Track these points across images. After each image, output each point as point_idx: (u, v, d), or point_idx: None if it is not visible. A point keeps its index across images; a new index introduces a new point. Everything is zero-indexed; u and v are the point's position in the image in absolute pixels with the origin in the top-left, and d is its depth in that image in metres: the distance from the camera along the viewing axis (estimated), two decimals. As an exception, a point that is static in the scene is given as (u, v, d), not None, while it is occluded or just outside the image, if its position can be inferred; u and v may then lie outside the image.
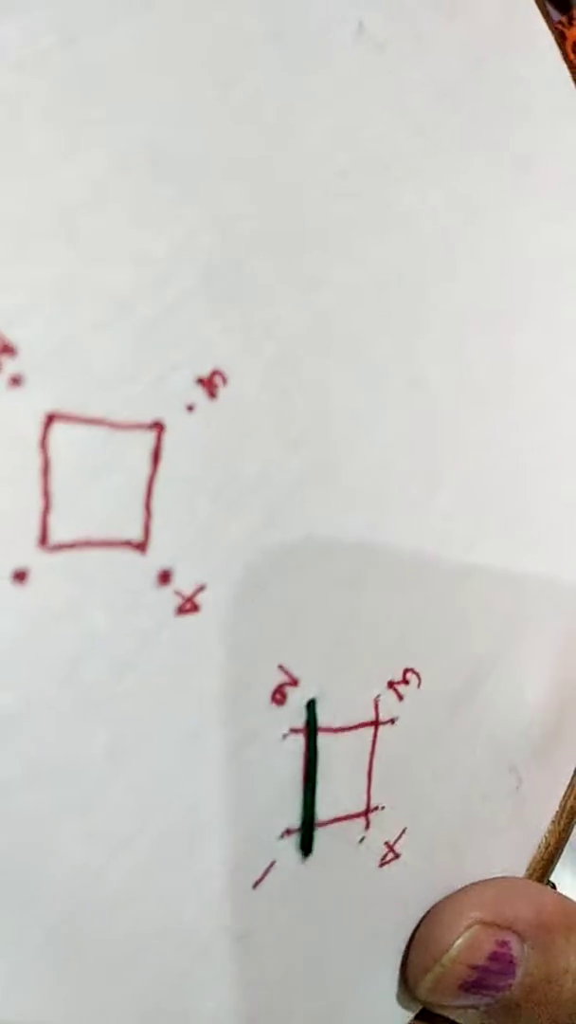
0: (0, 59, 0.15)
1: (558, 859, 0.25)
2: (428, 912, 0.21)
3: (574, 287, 0.23)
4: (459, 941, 0.20)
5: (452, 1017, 0.21)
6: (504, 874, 0.22)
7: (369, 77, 0.19)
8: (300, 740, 0.18)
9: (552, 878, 0.25)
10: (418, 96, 0.20)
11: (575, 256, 0.23)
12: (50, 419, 0.15)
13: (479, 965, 0.19)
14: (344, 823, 0.19)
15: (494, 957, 0.20)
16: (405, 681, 0.20)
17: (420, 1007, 0.21)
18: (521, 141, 0.22)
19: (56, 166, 0.15)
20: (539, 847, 0.24)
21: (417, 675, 0.20)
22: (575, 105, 0.23)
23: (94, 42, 0.15)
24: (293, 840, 0.18)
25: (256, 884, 0.17)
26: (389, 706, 0.19)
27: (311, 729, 0.18)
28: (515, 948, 0.20)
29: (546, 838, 0.24)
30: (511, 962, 0.20)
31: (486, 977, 0.19)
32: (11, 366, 0.14)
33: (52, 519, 0.15)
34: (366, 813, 0.19)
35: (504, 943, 0.20)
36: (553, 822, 0.24)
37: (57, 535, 0.15)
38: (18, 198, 0.15)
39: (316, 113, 0.18)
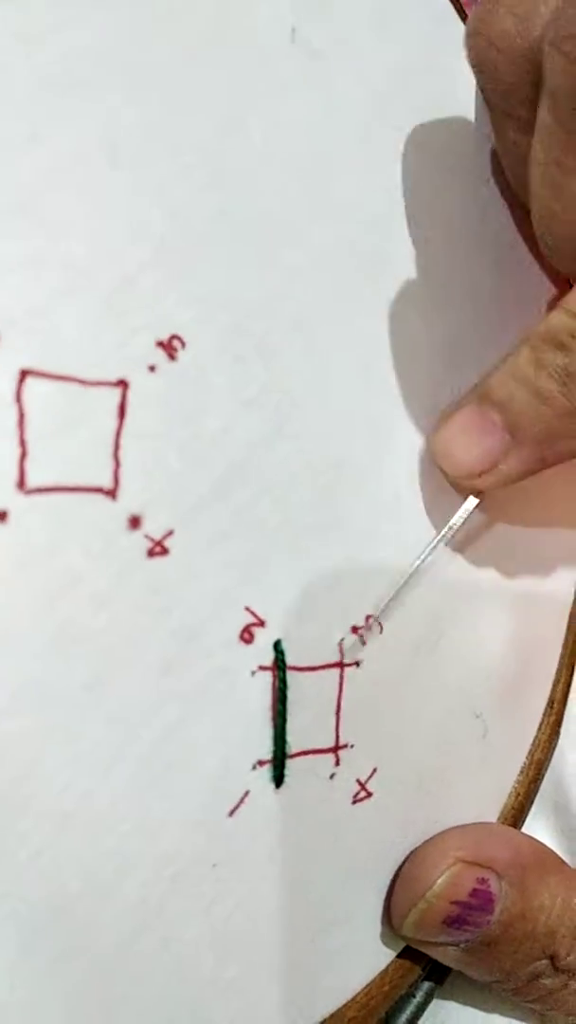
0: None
1: (528, 810, 0.26)
2: (411, 853, 0.22)
3: (519, 265, 0.25)
4: (442, 879, 0.21)
5: (433, 955, 0.22)
6: (477, 818, 0.24)
7: (304, 80, 0.21)
8: (268, 677, 0.19)
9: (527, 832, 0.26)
10: (352, 97, 0.22)
11: (491, 238, 0.25)
12: (24, 375, 0.16)
13: (461, 901, 0.21)
14: (314, 757, 0.20)
15: (474, 894, 0.21)
16: (367, 627, 0.21)
17: (401, 946, 0.22)
18: (446, 137, 0.24)
19: (21, 154, 0.17)
20: (509, 796, 0.25)
21: (379, 622, 0.21)
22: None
23: (52, 42, 0.17)
24: (266, 771, 0.19)
25: (232, 812, 0.19)
26: (353, 649, 0.21)
27: (280, 666, 0.19)
28: (494, 885, 0.21)
29: (515, 788, 0.26)
30: (490, 898, 0.21)
31: (467, 913, 0.21)
32: (-14, 327, 0.16)
33: (28, 465, 0.16)
34: (335, 749, 0.20)
35: (484, 880, 0.21)
36: (522, 772, 0.26)
37: (34, 480, 0.16)
38: (-11, 179, 0.16)
39: (255, 112, 0.20)
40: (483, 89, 0.22)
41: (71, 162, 0.17)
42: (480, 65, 0.21)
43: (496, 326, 0.24)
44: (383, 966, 0.22)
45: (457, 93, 0.24)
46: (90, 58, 0.18)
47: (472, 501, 0.22)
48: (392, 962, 0.22)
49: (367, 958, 0.21)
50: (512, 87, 0.21)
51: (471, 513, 0.22)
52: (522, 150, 0.21)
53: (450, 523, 0.22)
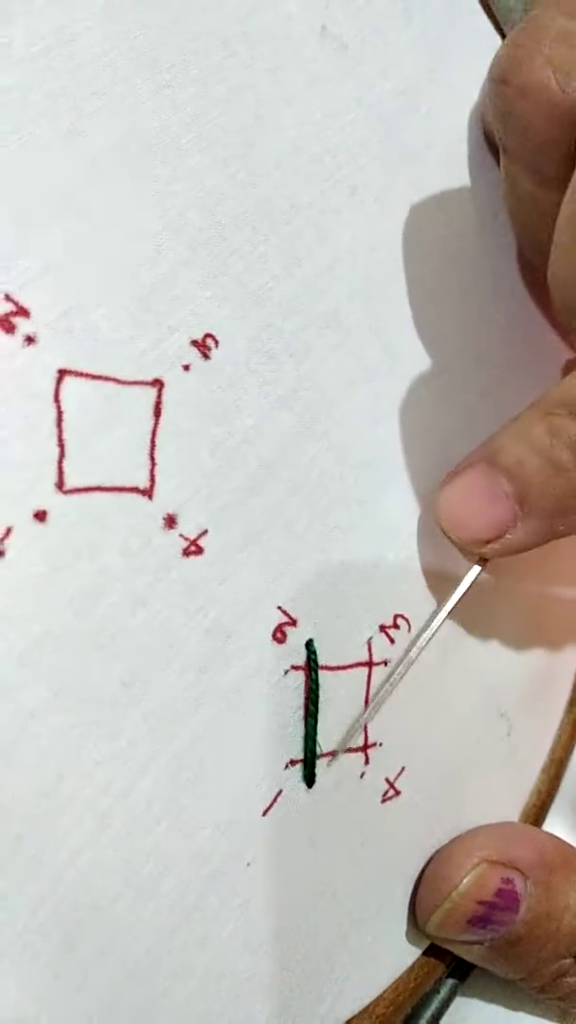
0: (7, 56, 0.16)
1: (549, 808, 0.26)
2: (436, 853, 0.22)
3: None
4: (467, 878, 0.21)
5: (458, 953, 0.22)
6: (499, 817, 0.24)
7: (333, 74, 0.21)
8: (300, 676, 0.19)
9: (547, 830, 0.26)
10: (379, 91, 0.22)
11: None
12: (61, 375, 0.16)
13: (486, 901, 0.21)
14: (344, 756, 0.20)
15: (500, 894, 0.21)
16: (396, 626, 0.21)
17: (427, 944, 0.22)
18: (471, 135, 0.24)
19: (60, 149, 0.17)
20: (531, 795, 0.25)
21: (407, 620, 0.21)
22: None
23: (89, 41, 0.17)
24: (298, 771, 0.19)
25: (265, 812, 0.19)
26: (382, 648, 0.21)
27: (312, 666, 0.19)
28: (519, 885, 0.21)
29: (537, 786, 0.26)
30: (515, 898, 0.21)
31: (492, 912, 0.21)
32: (25, 327, 0.16)
33: (67, 465, 0.16)
34: (364, 748, 0.20)
35: (509, 880, 0.21)
36: (544, 771, 0.26)
37: (72, 480, 0.16)
38: (29, 177, 0.16)
39: (287, 106, 0.20)
40: (502, 138, 0.20)
41: (109, 158, 0.17)
42: (506, 116, 0.19)
43: (520, 322, 0.24)
44: (410, 963, 0.22)
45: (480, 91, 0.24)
46: (126, 54, 0.18)
47: (476, 569, 0.21)
48: (418, 959, 0.22)
49: (395, 955, 0.22)
50: (544, 144, 0.19)
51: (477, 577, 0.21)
52: (540, 205, 0.20)
53: (454, 596, 0.21)
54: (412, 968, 0.22)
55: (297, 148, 0.20)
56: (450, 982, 0.23)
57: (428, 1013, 0.22)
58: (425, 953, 0.22)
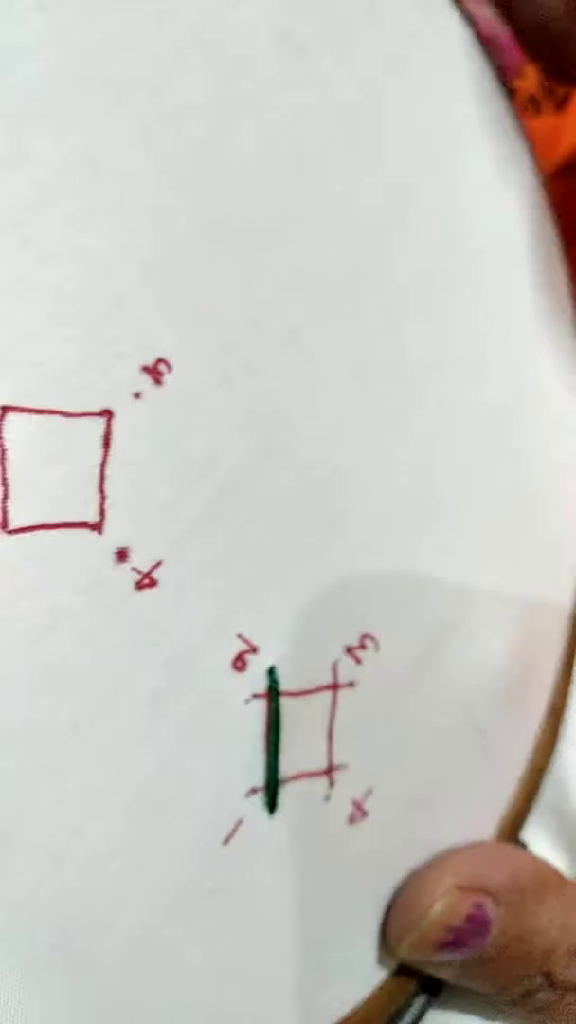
0: None
1: (527, 818, 0.26)
2: (407, 877, 0.22)
3: (512, 272, 0.25)
4: (437, 905, 0.21)
5: (429, 972, 0.22)
6: (474, 834, 0.24)
7: (293, 79, 0.20)
8: (262, 704, 0.19)
9: (527, 841, 0.26)
10: (341, 94, 0.21)
11: (510, 237, 0.25)
12: (4, 411, 0.16)
13: (456, 927, 0.21)
14: (307, 780, 0.20)
15: (470, 919, 0.21)
16: (363, 647, 0.21)
17: (396, 965, 0.22)
18: (450, 127, 0.23)
19: (3, 175, 0.16)
20: (509, 807, 0.25)
21: (375, 640, 0.21)
22: (493, 89, 0.24)
23: (31, 57, 0.16)
24: (259, 798, 0.19)
25: (226, 841, 0.18)
26: (348, 670, 0.21)
27: (273, 693, 0.19)
28: (490, 910, 0.21)
29: (514, 798, 0.25)
30: (485, 923, 0.21)
31: (462, 937, 0.21)
32: (-37, 363, 0.16)
33: (11, 505, 0.16)
34: (329, 772, 0.20)
35: (480, 905, 0.21)
36: (521, 780, 0.26)
37: (16, 519, 0.16)
38: (-38, 207, 0.16)
39: (244, 116, 0.19)
40: None
41: (54, 180, 0.17)
42: None
43: (501, 335, 0.24)
44: (381, 980, 0.22)
45: (455, 85, 0.24)
46: (71, 71, 0.17)
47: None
48: (389, 976, 0.22)
49: (365, 973, 0.22)
50: None
51: None
52: None
53: None
54: (383, 985, 0.22)
55: (256, 160, 0.20)
56: (422, 997, 0.23)
57: (400, 1028, 0.22)
58: (397, 970, 0.22)
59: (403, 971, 0.22)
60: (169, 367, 0.18)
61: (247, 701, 0.19)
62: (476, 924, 0.20)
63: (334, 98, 0.21)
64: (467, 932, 0.20)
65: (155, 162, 0.18)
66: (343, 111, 0.21)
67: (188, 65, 0.19)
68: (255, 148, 0.20)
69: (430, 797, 0.23)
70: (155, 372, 0.18)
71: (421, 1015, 0.23)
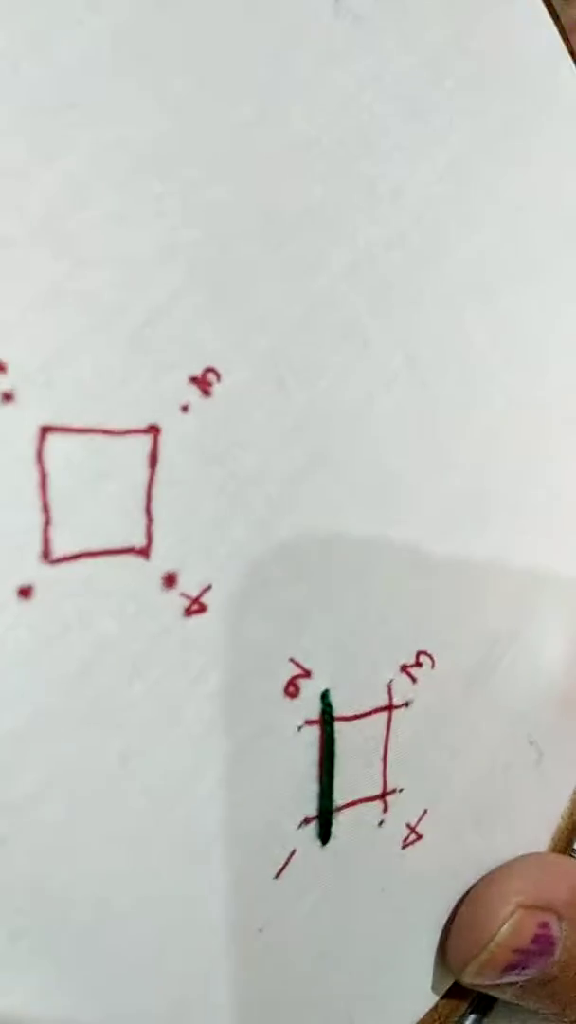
0: (-32, 68, 0.14)
1: (581, 826, 0.25)
2: (467, 897, 0.21)
3: (569, 254, 0.23)
4: (505, 927, 0.20)
5: (490, 993, 0.21)
6: (529, 847, 0.23)
7: (349, 51, 0.19)
8: (315, 731, 0.18)
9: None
10: (400, 67, 0.19)
11: (568, 221, 0.23)
12: (44, 432, 0.15)
13: (523, 948, 0.20)
14: (361, 807, 0.19)
15: (536, 939, 0.20)
16: (418, 664, 0.20)
17: (451, 983, 0.22)
18: (509, 107, 0.21)
19: (35, 172, 0.15)
20: (562, 817, 0.24)
21: (431, 657, 0.20)
22: (564, 64, 0.22)
23: (63, 45, 0.15)
24: (312, 828, 0.18)
25: (278, 874, 0.18)
26: (403, 689, 0.20)
27: (327, 719, 0.18)
28: (555, 928, 0.20)
29: (569, 808, 0.24)
30: (551, 942, 0.20)
31: (528, 958, 0.20)
32: (2, 383, 0.14)
33: (53, 532, 0.15)
34: (383, 796, 0.19)
35: (545, 924, 0.20)
36: (575, 792, 0.25)
37: (59, 548, 0.15)
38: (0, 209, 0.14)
39: (296, 93, 0.18)
40: None
41: (92, 176, 0.15)
42: None
43: (566, 331, 0.22)
44: (433, 1004, 0.21)
45: (518, 56, 0.22)
46: (109, 54, 0.16)
47: None
48: (442, 997, 0.21)
49: (418, 999, 0.21)
50: None
51: None
52: None
53: None
54: (436, 1008, 0.21)
55: (307, 141, 0.18)
56: (472, 1017, 0.22)
57: (451, 1049, 0.22)
58: (447, 993, 0.22)
59: (455, 992, 0.22)
60: (218, 376, 0.17)
61: (299, 728, 0.18)
62: (542, 944, 0.20)
63: (392, 71, 0.19)
64: (533, 953, 0.20)
65: (202, 151, 0.17)
66: (403, 86, 0.19)
67: (235, 39, 0.17)
68: (308, 128, 0.18)
69: (484, 814, 0.22)
70: (203, 382, 0.16)
71: (473, 1035, 0.22)
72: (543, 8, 0.22)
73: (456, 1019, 0.22)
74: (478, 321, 0.21)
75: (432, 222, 0.20)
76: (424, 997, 0.21)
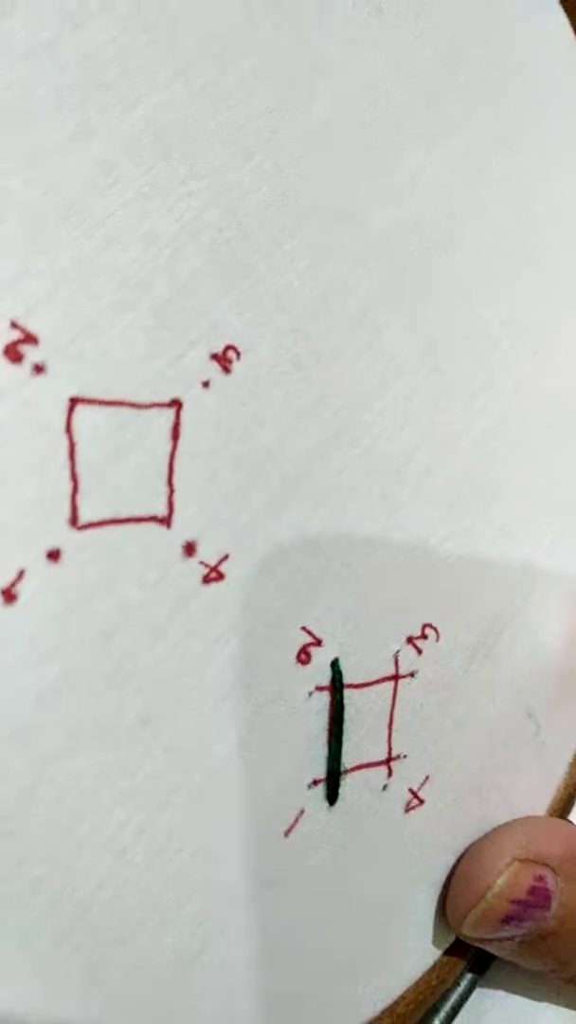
0: (8, 51, 0.15)
1: (576, 798, 0.26)
2: (466, 853, 0.22)
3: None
4: (501, 879, 0.21)
5: (488, 949, 0.22)
6: (526, 814, 0.24)
7: (370, 41, 0.19)
8: (325, 697, 0.19)
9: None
10: (419, 57, 0.20)
11: None
12: (73, 403, 0.15)
13: (520, 899, 0.21)
14: (367, 771, 0.20)
15: (532, 891, 0.21)
16: (424, 636, 0.21)
17: (450, 941, 0.22)
18: (521, 97, 0.22)
19: (65, 151, 0.15)
20: (559, 788, 0.25)
21: (435, 629, 0.21)
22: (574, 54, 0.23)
23: (97, 27, 0.16)
24: (320, 790, 0.19)
25: (287, 832, 0.18)
26: (408, 660, 0.20)
27: (337, 686, 0.19)
28: (550, 881, 0.21)
29: (565, 779, 0.25)
30: (547, 895, 0.21)
31: (525, 910, 0.21)
32: (33, 355, 0.15)
33: (80, 500, 0.15)
34: (388, 761, 0.20)
35: (541, 877, 0.21)
36: (572, 764, 0.25)
37: (86, 515, 0.16)
38: (30, 186, 0.15)
39: (317, 81, 0.18)
40: None
41: (121, 156, 0.16)
42: None
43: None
44: (432, 962, 0.22)
45: (531, 49, 0.22)
46: (137, 39, 0.16)
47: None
48: (439, 957, 0.22)
49: (417, 955, 0.22)
50: None
51: None
52: None
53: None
54: (434, 966, 0.22)
55: (327, 129, 0.19)
56: (469, 976, 0.23)
57: (447, 1007, 0.22)
58: (446, 951, 0.22)
59: (453, 950, 0.22)
60: (238, 354, 0.17)
61: (310, 694, 0.19)
62: (539, 896, 0.20)
63: (410, 61, 0.20)
64: (530, 904, 0.20)
65: (225, 135, 0.17)
66: (420, 76, 0.20)
67: (258, 26, 0.18)
68: (329, 116, 0.19)
69: (484, 783, 0.22)
70: (224, 359, 0.17)
71: (468, 994, 0.23)
72: (556, 2, 0.22)
73: (454, 979, 0.23)
74: (490, 308, 0.22)
75: (447, 209, 0.21)
76: (424, 954, 0.22)
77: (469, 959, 0.23)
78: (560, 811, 0.25)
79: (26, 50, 0.15)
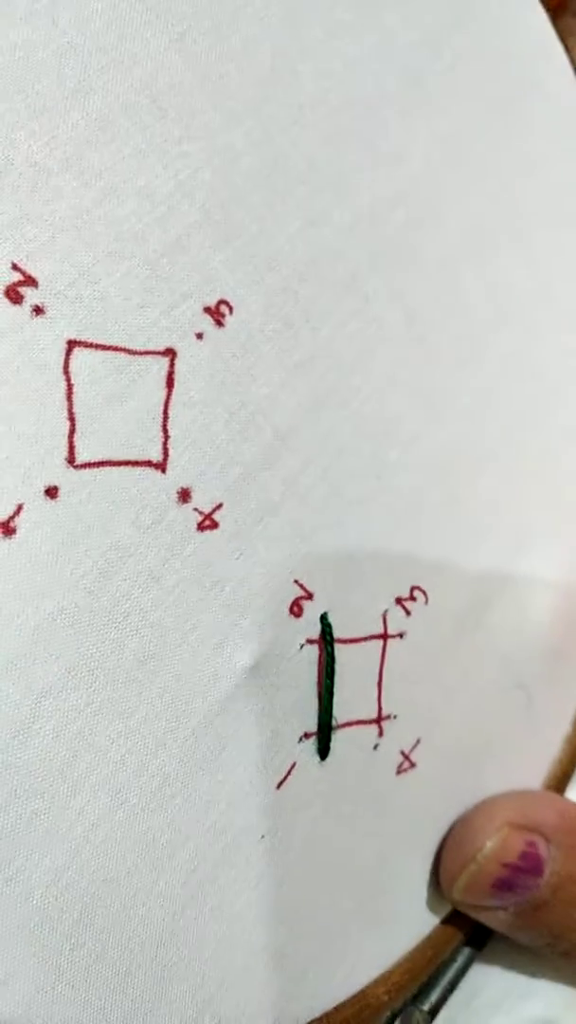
0: (11, 13, 0.16)
1: (571, 777, 0.26)
2: (458, 819, 0.22)
3: (564, 217, 0.24)
4: (491, 842, 0.21)
5: (483, 920, 0.22)
6: (521, 787, 0.24)
7: (356, 23, 0.20)
8: (315, 650, 0.19)
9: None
10: (403, 41, 0.21)
11: (558, 190, 0.24)
12: (71, 346, 0.16)
13: (510, 863, 0.21)
14: (358, 728, 0.20)
15: (523, 856, 0.21)
16: (412, 598, 0.21)
17: (445, 913, 0.22)
18: (503, 82, 0.23)
19: (66, 108, 0.16)
20: (553, 765, 0.25)
21: (424, 593, 0.21)
22: (554, 45, 0.24)
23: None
24: (311, 744, 0.19)
25: (279, 785, 0.19)
26: (397, 621, 0.21)
27: (327, 639, 0.19)
28: (542, 848, 0.21)
29: (559, 757, 0.25)
30: (539, 861, 0.21)
31: (516, 876, 0.21)
32: (33, 297, 0.16)
33: (78, 440, 0.16)
34: (378, 720, 0.20)
35: (532, 843, 0.21)
36: (566, 740, 0.26)
37: (83, 455, 0.16)
38: (32, 138, 0.16)
39: (305, 57, 0.19)
40: None
41: (118, 117, 0.17)
42: None
43: (559, 297, 0.24)
44: (427, 932, 0.22)
45: (512, 36, 0.23)
46: (136, 7, 0.17)
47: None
48: (436, 928, 0.22)
49: (412, 924, 0.22)
50: None
51: None
52: None
53: None
54: (429, 937, 0.22)
55: (315, 102, 0.20)
56: (467, 951, 0.23)
57: (444, 981, 0.22)
58: (443, 922, 0.22)
59: (450, 923, 0.22)
60: (231, 309, 0.18)
61: (301, 646, 0.19)
62: (530, 861, 0.20)
63: (395, 44, 0.21)
64: (521, 870, 0.20)
65: (218, 101, 0.18)
66: (405, 58, 0.21)
67: (250, 3, 0.19)
68: (317, 90, 0.20)
69: (476, 751, 0.23)
70: (217, 313, 0.18)
71: (465, 968, 0.23)
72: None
73: (450, 952, 0.22)
74: (474, 282, 0.23)
75: (431, 185, 0.22)
76: (419, 923, 0.22)
77: (466, 933, 0.23)
78: (556, 788, 0.25)
79: (26, 13, 0.16)
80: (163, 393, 0.17)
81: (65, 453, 0.16)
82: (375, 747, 0.20)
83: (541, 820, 0.21)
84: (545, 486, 0.24)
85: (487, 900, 0.21)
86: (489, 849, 0.20)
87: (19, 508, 0.15)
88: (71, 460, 0.16)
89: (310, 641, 0.19)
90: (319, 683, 0.19)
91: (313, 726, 0.19)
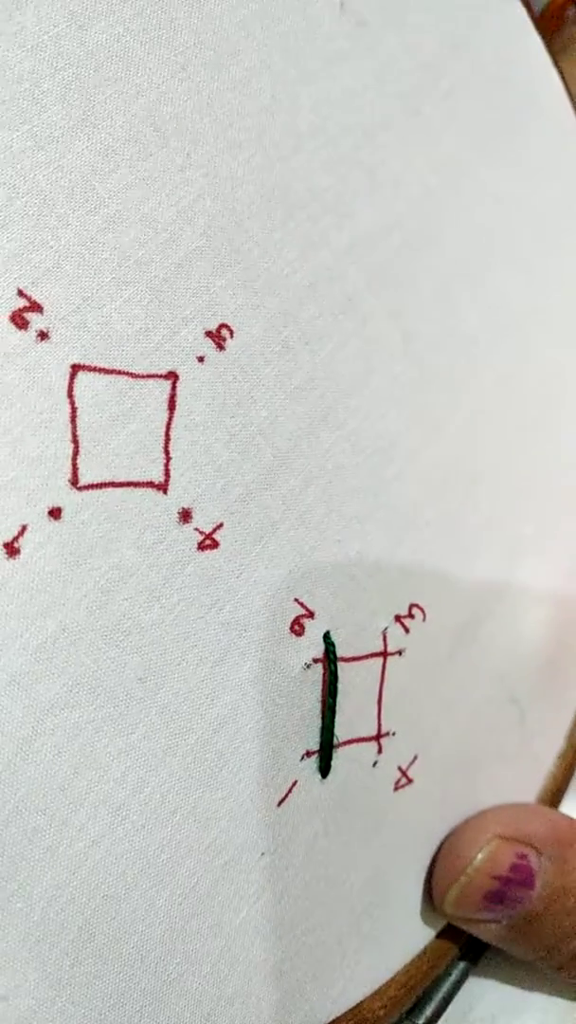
0: (18, 44, 0.16)
1: (565, 792, 0.26)
2: (450, 832, 0.22)
3: (559, 242, 0.25)
4: (481, 854, 0.21)
5: (475, 933, 0.22)
6: (515, 801, 0.24)
7: (353, 52, 0.21)
8: (319, 669, 0.19)
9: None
10: (401, 68, 0.21)
11: (551, 213, 0.25)
12: (75, 370, 0.16)
13: (501, 876, 0.21)
14: (358, 746, 0.20)
15: (514, 868, 0.21)
16: (411, 615, 0.21)
17: (440, 927, 0.22)
18: (499, 108, 0.23)
19: (71, 138, 0.17)
20: (547, 780, 0.25)
21: (422, 610, 0.21)
22: (549, 72, 0.24)
23: (101, 26, 0.17)
24: (313, 761, 0.19)
25: (280, 803, 0.19)
26: (397, 638, 0.21)
27: (331, 658, 0.19)
28: (533, 861, 0.21)
29: (553, 772, 0.26)
30: (530, 873, 0.21)
31: (507, 888, 0.21)
32: (38, 322, 0.16)
33: (81, 462, 0.16)
34: (378, 737, 0.20)
35: (523, 855, 0.21)
36: (560, 756, 0.26)
37: (86, 476, 0.16)
38: (41, 169, 0.16)
39: (305, 86, 0.20)
40: None
41: (122, 146, 0.17)
42: None
43: (546, 304, 0.24)
44: (422, 946, 0.22)
45: (508, 63, 0.24)
46: (139, 38, 0.17)
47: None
48: (431, 942, 0.22)
49: (407, 939, 0.22)
50: None
51: None
52: None
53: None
54: (424, 951, 0.22)
55: (314, 129, 0.20)
56: (462, 964, 0.23)
57: (439, 995, 0.22)
58: (438, 936, 0.22)
59: (445, 937, 0.22)
60: (231, 332, 0.18)
61: (305, 665, 0.19)
62: (521, 873, 0.21)
63: (393, 71, 0.21)
64: (512, 882, 0.21)
65: (219, 130, 0.18)
66: (402, 85, 0.21)
67: (250, 34, 0.19)
68: (316, 117, 0.20)
69: (471, 767, 0.23)
70: (218, 337, 0.18)
71: (461, 982, 0.23)
72: (529, 21, 0.24)
73: (445, 966, 0.23)
74: (470, 304, 0.23)
75: (428, 210, 0.22)
76: (414, 937, 0.22)
77: (461, 947, 0.23)
78: (549, 803, 0.25)
79: (34, 44, 0.16)
80: (165, 416, 0.17)
81: (68, 475, 0.16)
82: (374, 764, 0.20)
83: (532, 832, 0.21)
84: (537, 501, 0.24)
85: (478, 913, 0.21)
86: (479, 861, 0.21)
87: (23, 529, 0.16)
88: (74, 482, 0.16)
89: (315, 660, 0.19)
90: (322, 701, 0.19)
91: (314, 744, 0.19)
